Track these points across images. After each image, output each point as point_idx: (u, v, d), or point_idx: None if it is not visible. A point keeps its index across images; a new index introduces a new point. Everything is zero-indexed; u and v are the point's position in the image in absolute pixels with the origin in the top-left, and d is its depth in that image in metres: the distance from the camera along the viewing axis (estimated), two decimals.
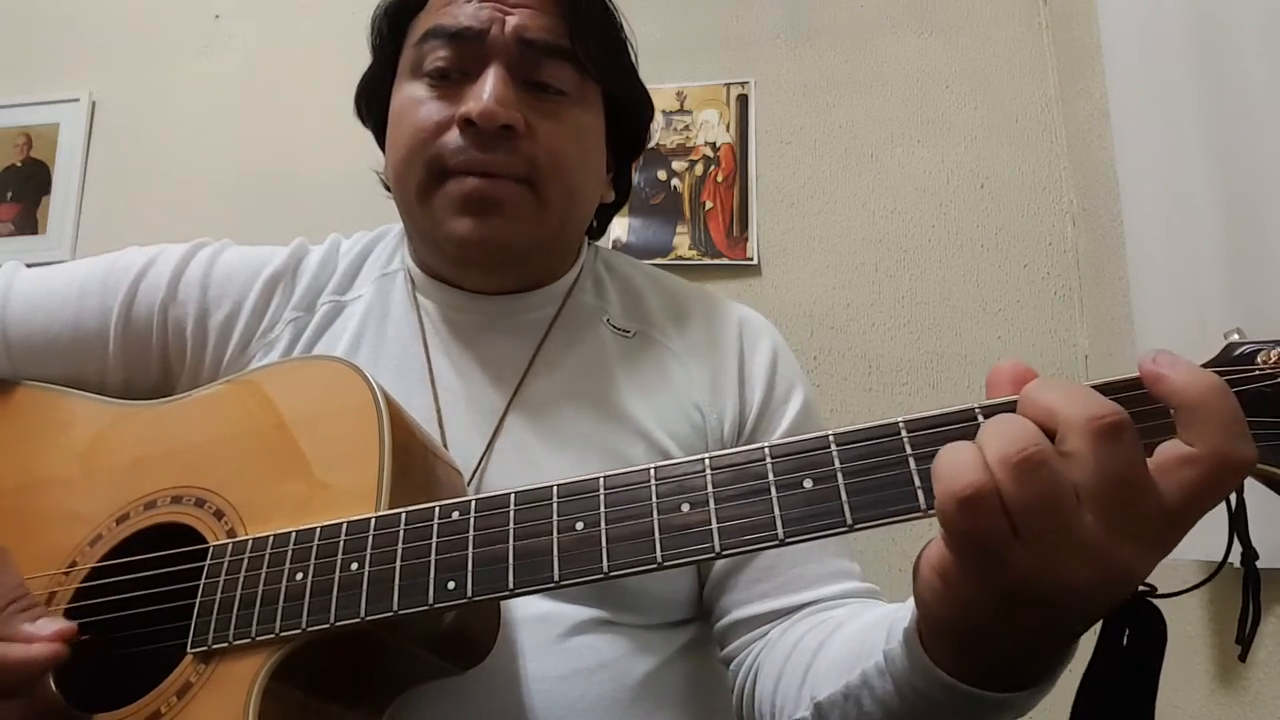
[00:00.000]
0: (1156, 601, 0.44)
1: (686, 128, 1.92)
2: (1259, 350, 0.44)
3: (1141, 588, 0.43)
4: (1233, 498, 0.43)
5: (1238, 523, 0.43)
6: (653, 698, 0.71)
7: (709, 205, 1.87)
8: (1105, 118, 1.53)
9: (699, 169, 1.90)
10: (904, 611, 0.54)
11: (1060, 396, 0.42)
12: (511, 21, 0.75)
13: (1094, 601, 0.43)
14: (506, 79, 0.74)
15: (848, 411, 1.73)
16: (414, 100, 0.76)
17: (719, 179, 1.88)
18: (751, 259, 1.83)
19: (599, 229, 0.92)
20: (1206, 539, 0.45)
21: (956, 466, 0.41)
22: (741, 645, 0.75)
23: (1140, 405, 0.43)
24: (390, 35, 0.83)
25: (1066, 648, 0.48)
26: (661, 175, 1.90)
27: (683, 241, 1.86)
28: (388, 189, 0.84)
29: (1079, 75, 1.69)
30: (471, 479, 0.74)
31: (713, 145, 1.90)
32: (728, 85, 1.93)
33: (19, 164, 2.11)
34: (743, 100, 1.92)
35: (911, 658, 0.51)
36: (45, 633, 0.57)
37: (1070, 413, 0.41)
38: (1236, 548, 0.44)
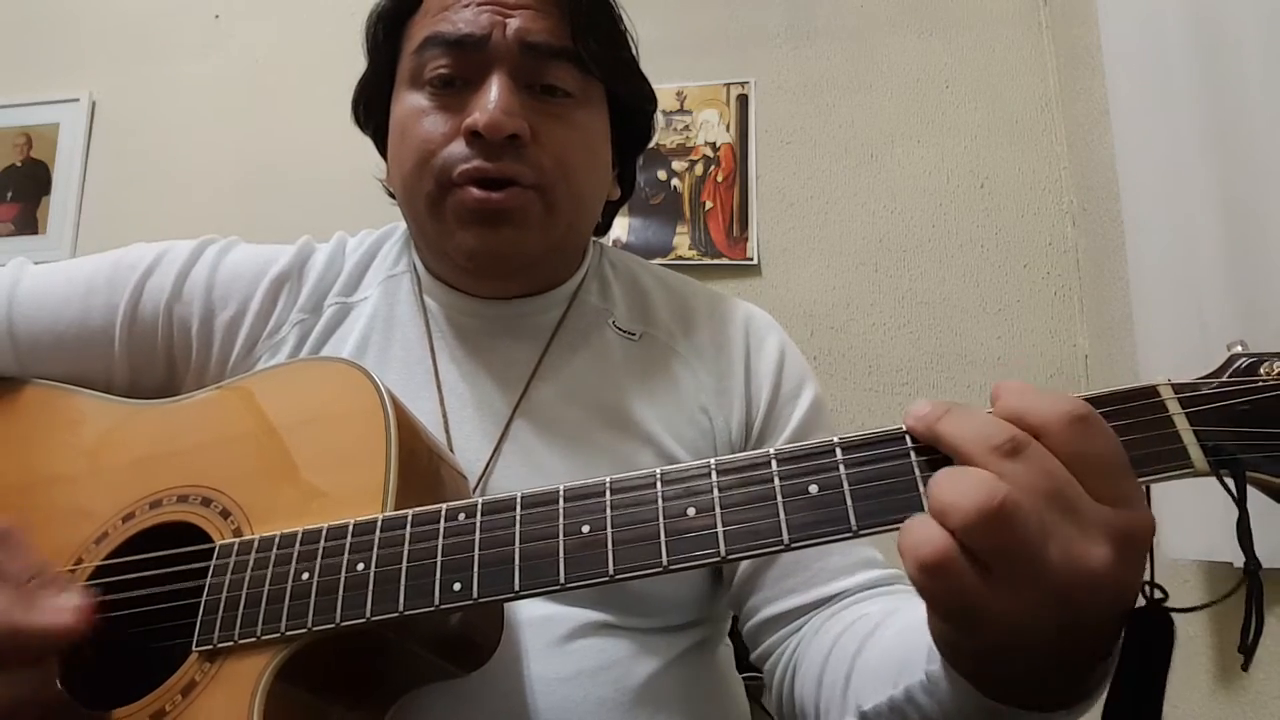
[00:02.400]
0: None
1: (686, 128, 1.92)
2: (1262, 362, 0.44)
3: (1158, 594, 0.43)
4: (1239, 511, 0.43)
5: (1242, 534, 0.43)
6: (654, 701, 0.71)
7: (709, 205, 1.87)
8: (1105, 118, 1.53)
9: (699, 169, 1.90)
10: None
11: (1018, 401, 0.43)
12: (513, 25, 0.74)
13: (1089, 610, 0.42)
14: (511, 86, 0.73)
15: (848, 411, 1.74)
16: (417, 111, 0.75)
17: (719, 179, 1.89)
18: (751, 259, 1.83)
19: (604, 225, 0.91)
20: (1206, 540, 0.45)
21: (920, 534, 0.41)
22: (776, 642, 0.75)
23: (1129, 417, 0.43)
24: (386, 40, 0.81)
25: (1093, 667, 0.47)
26: (661, 175, 1.90)
27: (683, 241, 1.86)
28: (391, 195, 0.84)
29: (1079, 75, 1.69)
30: (478, 484, 0.73)
31: (713, 145, 1.91)
32: (728, 85, 1.93)
33: (19, 164, 2.12)
34: (743, 100, 1.92)
35: (954, 683, 0.50)
36: (70, 604, 0.57)
37: (1039, 414, 0.42)
38: (1238, 551, 0.44)
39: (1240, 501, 0.43)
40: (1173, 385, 0.45)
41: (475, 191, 0.72)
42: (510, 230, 0.74)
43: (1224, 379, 0.45)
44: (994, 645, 0.44)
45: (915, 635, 0.59)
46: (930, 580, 0.41)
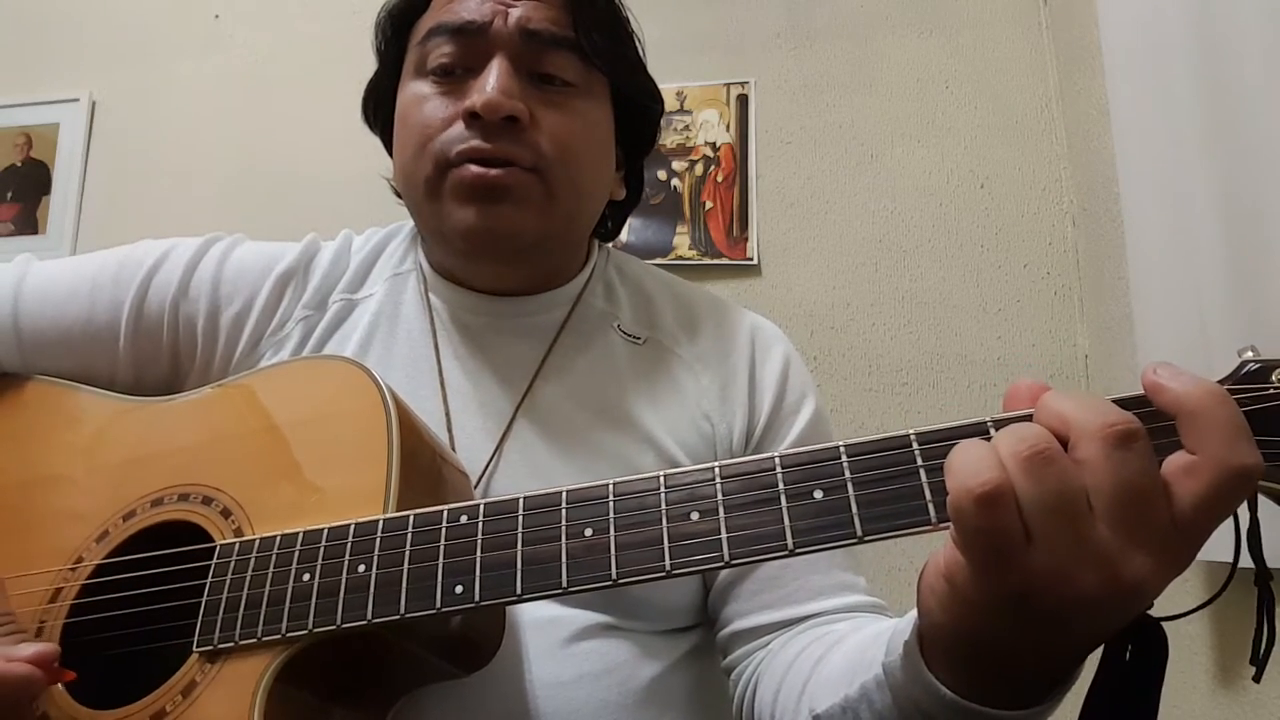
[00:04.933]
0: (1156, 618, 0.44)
1: (686, 128, 1.92)
2: (1273, 368, 0.44)
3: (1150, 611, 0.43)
4: (1246, 517, 0.43)
5: (1253, 543, 0.43)
6: (658, 703, 0.71)
7: (709, 205, 1.87)
8: (1105, 118, 1.53)
9: (699, 169, 1.90)
10: (905, 624, 0.53)
11: (1074, 405, 0.42)
12: (514, 14, 0.75)
13: (1101, 615, 0.42)
14: (510, 70, 0.74)
15: (848, 411, 1.74)
16: (419, 97, 0.76)
17: (719, 179, 1.88)
18: (751, 259, 1.83)
19: (614, 229, 0.92)
20: (1208, 542, 0.45)
21: (972, 463, 0.41)
22: (743, 655, 0.75)
23: (1154, 421, 0.43)
24: (394, 38, 0.82)
25: (1069, 670, 0.47)
26: (661, 175, 1.90)
27: (683, 241, 1.86)
28: (398, 195, 0.84)
29: (1079, 75, 1.69)
30: (478, 483, 0.73)
31: (713, 145, 1.91)
32: (728, 85, 1.93)
33: (19, 164, 2.11)
34: (743, 100, 1.92)
35: (911, 670, 0.50)
36: (24, 654, 0.56)
37: (1083, 419, 0.41)
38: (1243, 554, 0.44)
39: (1252, 509, 0.43)
40: None
41: (473, 168, 0.72)
42: (509, 208, 0.74)
43: (1234, 385, 0.44)
44: (981, 625, 0.44)
45: (879, 641, 0.58)
46: (976, 510, 0.41)
